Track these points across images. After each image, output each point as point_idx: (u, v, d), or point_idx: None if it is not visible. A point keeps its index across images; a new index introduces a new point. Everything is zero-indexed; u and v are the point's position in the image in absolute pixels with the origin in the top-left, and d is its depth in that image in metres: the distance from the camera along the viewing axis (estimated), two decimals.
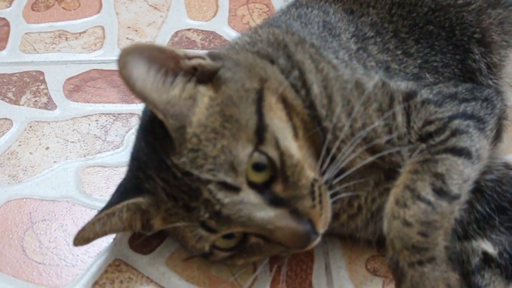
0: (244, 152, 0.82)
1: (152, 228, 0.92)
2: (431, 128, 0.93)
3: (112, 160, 1.17)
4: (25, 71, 1.37)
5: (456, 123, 0.94)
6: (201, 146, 0.83)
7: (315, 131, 0.90)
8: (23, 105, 1.29)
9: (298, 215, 0.83)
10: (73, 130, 1.24)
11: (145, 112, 0.92)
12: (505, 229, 0.93)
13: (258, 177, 0.83)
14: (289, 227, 0.83)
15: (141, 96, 0.83)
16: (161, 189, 0.86)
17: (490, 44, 1.10)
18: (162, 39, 1.44)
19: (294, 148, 0.85)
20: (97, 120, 1.26)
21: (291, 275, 0.99)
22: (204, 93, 0.87)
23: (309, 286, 0.98)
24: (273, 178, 0.84)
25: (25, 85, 1.33)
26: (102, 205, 1.07)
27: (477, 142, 0.93)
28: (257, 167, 0.83)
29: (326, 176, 0.88)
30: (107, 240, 1.04)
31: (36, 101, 1.30)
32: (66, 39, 1.45)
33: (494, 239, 0.93)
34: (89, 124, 1.25)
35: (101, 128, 1.24)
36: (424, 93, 0.97)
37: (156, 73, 0.84)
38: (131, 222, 0.92)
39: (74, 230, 1.04)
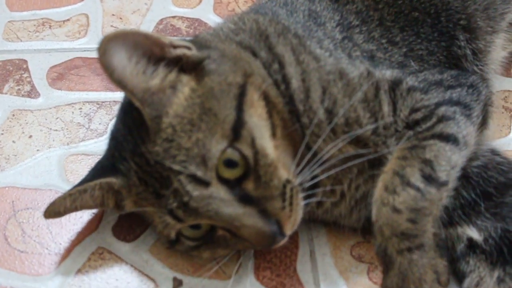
0: (217, 147, 0.82)
1: (124, 209, 0.92)
2: (418, 115, 0.93)
3: (95, 148, 1.16)
4: (8, 59, 1.35)
5: (442, 109, 0.93)
6: (176, 137, 0.82)
7: (294, 129, 0.90)
8: (6, 93, 1.27)
9: (266, 215, 0.83)
10: (57, 118, 1.22)
11: None
12: (491, 215, 0.93)
13: (230, 173, 0.83)
14: (256, 226, 0.83)
15: (119, 83, 0.82)
16: (134, 172, 0.86)
17: (475, 30, 1.10)
18: (147, 27, 1.43)
19: (270, 147, 0.85)
20: (80, 108, 1.24)
21: (276, 261, 0.98)
22: (186, 83, 0.86)
23: (294, 272, 0.97)
24: (245, 175, 0.84)
25: (8, 74, 1.32)
26: None
27: (464, 128, 0.93)
28: (230, 163, 0.83)
29: (305, 174, 0.87)
30: (90, 228, 1.03)
31: (19, 89, 1.28)
32: (49, 27, 1.43)
33: (480, 225, 0.93)
34: (73, 112, 1.23)
35: (85, 116, 1.23)
36: (410, 81, 0.97)
37: (137, 61, 0.83)
38: (103, 200, 0.92)
39: (56, 219, 1.03)
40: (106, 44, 0.79)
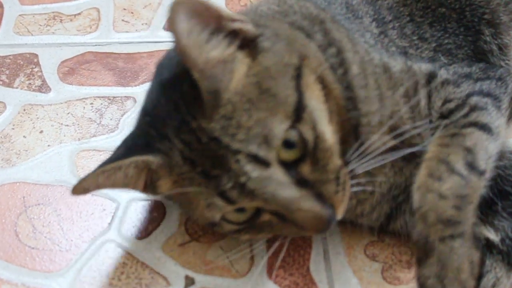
0: (280, 127, 0.79)
1: (157, 190, 0.88)
2: (451, 105, 0.93)
3: (107, 144, 1.15)
4: (19, 54, 1.34)
5: (474, 99, 0.93)
6: (236, 115, 0.79)
7: (347, 117, 0.88)
8: (16, 87, 1.27)
9: (322, 199, 0.81)
10: (68, 113, 1.22)
11: (169, 67, 0.88)
12: (508, 214, 0.92)
13: (287, 155, 0.80)
14: (313, 210, 0.80)
15: (182, 51, 0.78)
16: (178, 151, 0.82)
17: (499, 25, 1.09)
18: (159, 21, 1.42)
19: (329, 132, 0.83)
20: (92, 103, 1.23)
21: (289, 260, 0.97)
22: (242, 60, 0.82)
23: (307, 271, 0.96)
24: (302, 158, 0.81)
25: (18, 68, 1.31)
26: None
27: (496, 119, 0.93)
28: (288, 144, 0.79)
29: (354, 164, 0.86)
30: (102, 225, 1.02)
31: (30, 83, 1.28)
32: (60, 21, 1.42)
33: (496, 225, 0.91)
34: (84, 108, 1.23)
35: (96, 112, 1.22)
36: (443, 74, 0.97)
37: (201, 30, 0.79)
38: (136, 180, 0.88)
39: (68, 215, 1.03)
40: (175, 10, 0.76)
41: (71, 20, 1.43)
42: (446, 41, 1.04)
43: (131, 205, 1.05)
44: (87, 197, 1.06)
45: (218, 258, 0.97)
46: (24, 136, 1.17)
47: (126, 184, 0.88)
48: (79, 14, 1.45)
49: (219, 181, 0.80)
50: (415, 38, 1.03)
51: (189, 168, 0.82)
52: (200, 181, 0.82)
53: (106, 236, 1.01)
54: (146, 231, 1.01)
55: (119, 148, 0.89)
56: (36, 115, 1.21)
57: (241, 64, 0.82)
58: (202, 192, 0.82)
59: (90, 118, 1.20)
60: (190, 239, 1.00)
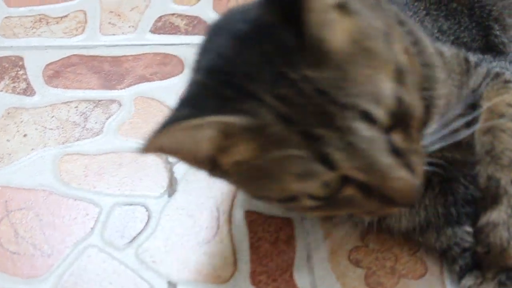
0: (389, 86, 0.73)
1: (221, 161, 0.77)
2: (478, 79, 0.95)
3: (91, 148, 1.14)
4: (4, 56, 1.33)
5: (496, 69, 0.96)
6: (346, 66, 0.71)
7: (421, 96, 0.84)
8: (1, 91, 1.26)
9: (411, 169, 0.75)
10: (52, 116, 1.21)
11: (247, 20, 0.77)
12: None
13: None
14: (407, 178, 0.74)
15: None
16: (271, 109, 0.71)
17: (505, 26, 1.12)
18: (146, 24, 1.41)
19: (419, 100, 0.78)
20: (76, 107, 1.23)
21: (272, 266, 0.97)
22: (339, 18, 0.75)
23: (290, 277, 0.96)
24: (393, 126, 0.74)
25: (3, 71, 1.30)
26: (80, 194, 1.07)
27: None
28: None
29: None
30: (84, 230, 1.01)
31: (14, 86, 1.27)
32: (46, 24, 1.41)
33: None
34: (69, 111, 1.22)
35: (81, 115, 1.21)
36: (472, 58, 0.99)
37: None
38: (208, 145, 0.75)
39: (50, 220, 1.03)
40: None
41: (57, 23, 1.42)
42: (462, 34, 1.07)
43: (114, 210, 1.04)
44: (70, 201, 1.05)
45: (201, 264, 0.96)
46: (7, 140, 1.16)
47: (196, 148, 0.75)
48: (65, 16, 1.44)
49: (323, 142, 0.71)
50: (435, 31, 1.05)
51: (284, 127, 0.71)
52: (297, 143, 0.71)
53: (88, 241, 1.00)
54: (129, 236, 1.01)
55: (182, 109, 0.75)
56: (20, 118, 1.20)
57: (339, 20, 0.74)
58: (295, 157, 0.72)
59: (74, 121, 1.20)
60: (174, 245, 1.00)
